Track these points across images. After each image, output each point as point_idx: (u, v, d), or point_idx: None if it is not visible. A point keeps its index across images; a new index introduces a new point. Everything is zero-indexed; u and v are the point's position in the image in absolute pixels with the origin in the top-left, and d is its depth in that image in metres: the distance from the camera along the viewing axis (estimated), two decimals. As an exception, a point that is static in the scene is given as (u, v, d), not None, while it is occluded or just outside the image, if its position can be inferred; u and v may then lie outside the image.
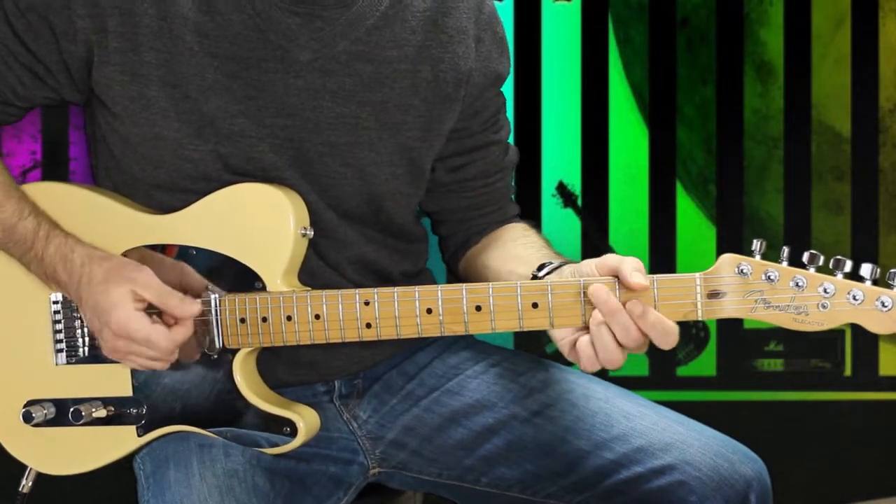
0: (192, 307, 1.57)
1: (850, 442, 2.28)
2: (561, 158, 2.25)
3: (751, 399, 2.28)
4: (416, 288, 1.55)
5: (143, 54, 1.60)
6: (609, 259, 1.50)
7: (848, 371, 2.28)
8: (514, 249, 1.75)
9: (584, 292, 1.49)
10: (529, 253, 1.71)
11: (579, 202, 2.25)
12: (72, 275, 1.59)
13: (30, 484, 1.74)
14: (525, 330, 1.52)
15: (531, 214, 2.00)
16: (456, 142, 1.78)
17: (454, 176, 1.81)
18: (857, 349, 2.27)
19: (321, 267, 1.69)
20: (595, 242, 2.25)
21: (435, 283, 1.89)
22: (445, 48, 1.71)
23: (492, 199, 1.85)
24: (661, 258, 2.24)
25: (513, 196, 1.91)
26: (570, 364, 1.91)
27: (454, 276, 1.89)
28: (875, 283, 1.42)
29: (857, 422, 2.28)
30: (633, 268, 1.46)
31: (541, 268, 1.60)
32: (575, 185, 2.26)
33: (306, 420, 1.62)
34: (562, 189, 2.26)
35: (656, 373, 2.27)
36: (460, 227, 1.86)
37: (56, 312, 1.67)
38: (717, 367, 2.28)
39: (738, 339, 2.26)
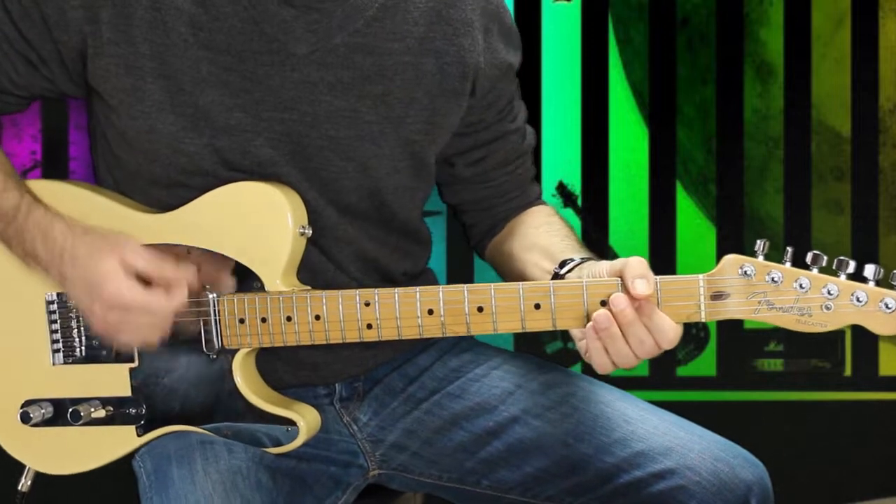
0: (187, 270, 1.55)
1: (850, 442, 2.28)
2: (561, 158, 2.25)
3: (751, 399, 2.28)
4: (418, 289, 1.54)
5: (138, 46, 1.59)
6: (617, 263, 1.50)
7: (848, 371, 2.28)
8: (538, 238, 1.74)
9: (586, 292, 1.49)
10: (553, 242, 1.71)
11: (579, 202, 2.25)
12: (52, 251, 1.56)
13: (29, 483, 1.74)
14: (527, 331, 1.52)
15: (542, 199, 2.00)
16: (473, 136, 1.77)
17: (475, 169, 1.80)
18: (857, 349, 2.26)
19: (322, 264, 1.68)
20: (595, 242, 2.25)
21: (437, 283, 1.88)
22: (450, 41, 1.69)
23: (515, 184, 1.84)
24: (661, 258, 2.24)
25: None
26: (570, 364, 1.92)
27: (482, 261, 1.90)
28: (878, 283, 1.42)
29: (857, 422, 2.27)
30: (635, 274, 1.46)
31: (562, 264, 1.60)
32: (575, 185, 2.25)
33: (307, 419, 1.62)
34: (562, 189, 2.26)
35: (656, 373, 2.26)
36: (485, 215, 1.85)
37: (52, 312, 1.67)
38: (717, 367, 2.27)
39: (738, 339, 2.26)
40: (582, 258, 1.61)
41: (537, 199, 1.87)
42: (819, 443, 2.28)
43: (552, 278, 1.60)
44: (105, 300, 1.52)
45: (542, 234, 1.74)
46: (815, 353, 2.27)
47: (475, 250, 1.90)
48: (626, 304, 1.46)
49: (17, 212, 1.59)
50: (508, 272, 1.76)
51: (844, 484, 2.28)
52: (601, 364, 1.50)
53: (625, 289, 1.47)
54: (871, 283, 1.42)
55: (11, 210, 1.60)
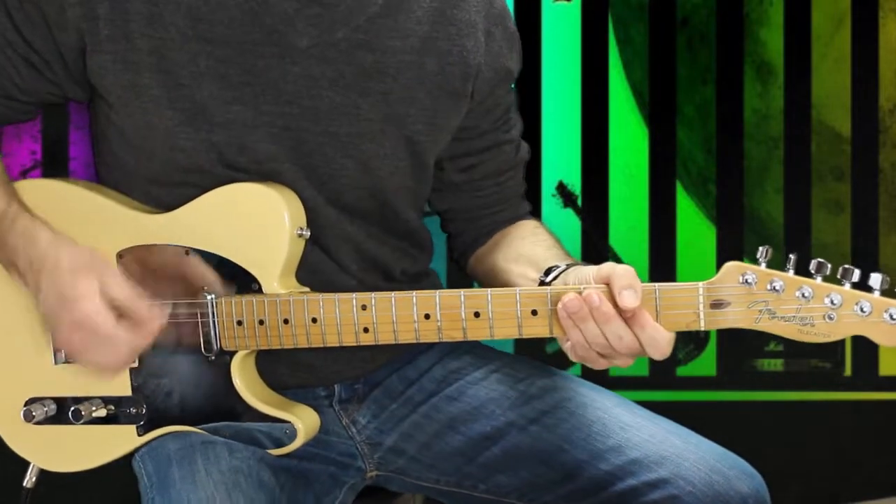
0: (160, 316, 1.52)
1: (850, 442, 2.28)
2: (561, 158, 2.25)
3: (751, 399, 2.28)
4: (414, 293, 1.53)
5: (135, 41, 1.57)
6: (604, 268, 1.47)
7: (848, 371, 2.28)
8: (523, 248, 1.72)
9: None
10: (537, 252, 1.69)
11: (579, 202, 2.25)
12: (34, 258, 1.54)
13: (34, 480, 1.74)
14: (525, 337, 1.50)
15: (531, 214, 2.01)
16: (467, 142, 1.76)
17: (465, 176, 1.79)
18: (857, 349, 2.27)
19: (322, 263, 1.67)
20: (595, 242, 2.25)
21: (439, 285, 1.87)
22: (453, 41, 1.68)
23: (503, 197, 1.83)
24: (661, 258, 2.24)
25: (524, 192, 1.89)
26: (570, 365, 1.91)
27: (464, 274, 1.88)
28: (884, 293, 1.38)
29: (857, 422, 2.28)
30: (622, 285, 1.44)
31: (548, 272, 1.58)
32: (575, 185, 2.26)
33: (305, 422, 1.62)
34: (562, 189, 2.26)
35: (656, 373, 2.26)
36: (469, 225, 1.84)
37: (54, 311, 1.67)
38: (717, 367, 2.28)
39: (738, 339, 2.26)
40: (567, 264, 1.58)
41: (525, 215, 1.85)
42: (819, 443, 2.28)
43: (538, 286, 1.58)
44: (75, 318, 1.49)
45: (528, 244, 1.72)
46: (814, 353, 2.27)
47: (458, 263, 1.88)
48: (600, 299, 1.44)
49: (3, 217, 1.57)
50: (493, 285, 1.73)
51: (844, 484, 2.29)
52: (586, 357, 1.47)
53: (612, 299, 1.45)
54: (877, 293, 1.38)
55: None
